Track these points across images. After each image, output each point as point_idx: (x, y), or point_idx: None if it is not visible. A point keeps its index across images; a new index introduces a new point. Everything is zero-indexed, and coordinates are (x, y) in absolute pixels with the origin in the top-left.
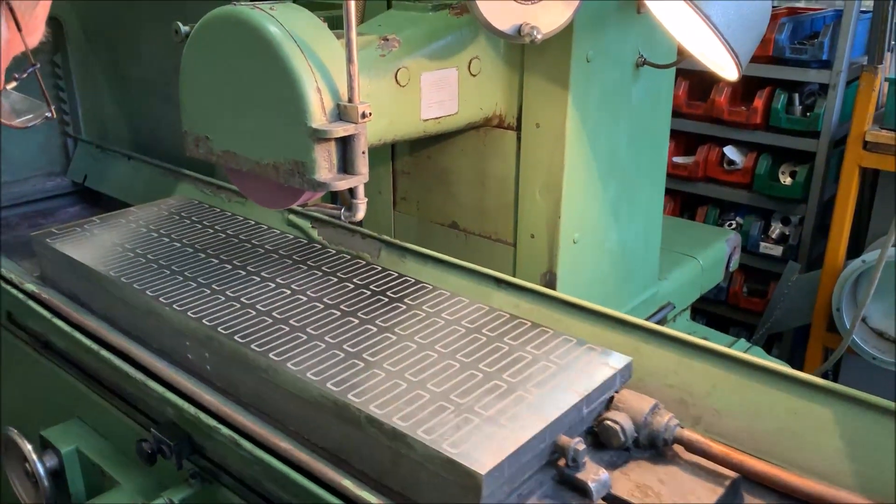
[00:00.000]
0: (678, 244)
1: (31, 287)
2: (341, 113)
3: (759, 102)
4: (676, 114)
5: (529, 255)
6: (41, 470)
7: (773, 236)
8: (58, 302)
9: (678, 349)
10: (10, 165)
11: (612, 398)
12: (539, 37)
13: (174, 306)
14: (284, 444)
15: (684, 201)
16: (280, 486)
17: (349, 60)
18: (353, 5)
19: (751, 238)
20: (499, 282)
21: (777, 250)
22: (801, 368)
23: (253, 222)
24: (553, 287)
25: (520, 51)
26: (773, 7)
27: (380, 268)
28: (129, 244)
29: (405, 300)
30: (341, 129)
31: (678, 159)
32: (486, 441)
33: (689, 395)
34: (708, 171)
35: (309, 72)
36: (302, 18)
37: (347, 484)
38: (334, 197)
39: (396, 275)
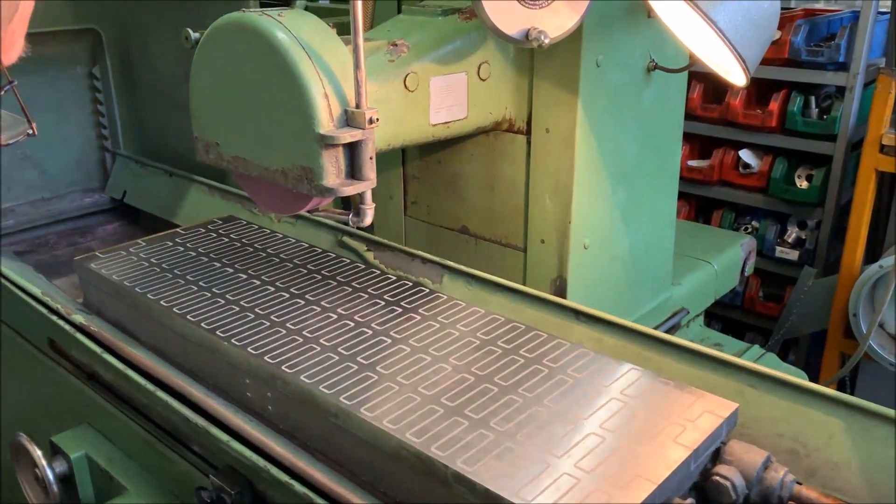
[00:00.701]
0: (692, 248)
1: (78, 318)
2: (349, 119)
3: (774, 105)
4: (691, 117)
5: (540, 260)
6: (50, 475)
7: (790, 241)
8: (106, 334)
9: (788, 393)
10: (47, 181)
11: (718, 450)
12: (546, 41)
13: (232, 340)
14: (358, 501)
15: (699, 205)
16: None
17: (356, 66)
18: (360, 11)
19: (766, 242)
20: (578, 314)
21: (793, 255)
22: (817, 375)
23: (306, 245)
24: (563, 293)
25: (529, 55)
26: (790, 9)
27: (445, 296)
28: (178, 269)
29: (478, 334)
30: (348, 135)
31: (693, 163)
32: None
33: (803, 447)
34: (723, 174)
35: (317, 78)
36: (310, 25)
37: None
38: (346, 202)
39: (463, 304)
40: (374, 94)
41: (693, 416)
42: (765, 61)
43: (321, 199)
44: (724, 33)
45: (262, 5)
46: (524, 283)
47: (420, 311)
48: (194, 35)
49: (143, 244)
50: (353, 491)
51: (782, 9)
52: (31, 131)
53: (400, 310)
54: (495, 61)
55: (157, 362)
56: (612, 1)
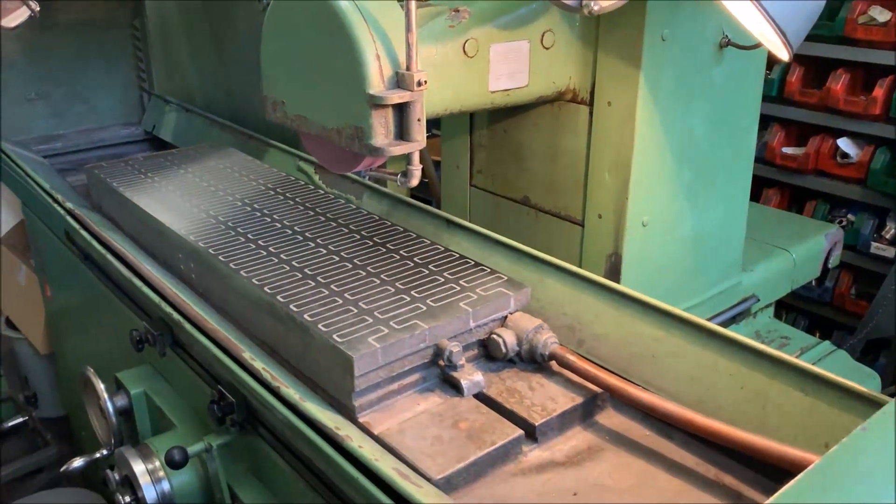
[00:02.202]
0: (771, 235)
1: (69, 205)
2: (399, 81)
3: (879, 92)
4: (788, 102)
5: (596, 235)
6: (110, 408)
7: (887, 237)
8: (91, 222)
9: (575, 281)
10: (93, 114)
11: (505, 318)
12: (596, 8)
13: (171, 226)
14: (213, 327)
15: (792, 195)
16: (216, 362)
17: (408, 29)
18: None
19: (862, 237)
20: (448, 223)
21: (890, 252)
22: None
23: (266, 166)
24: (618, 270)
25: (594, 26)
26: None
27: (354, 206)
28: (158, 178)
29: (362, 232)
30: (397, 97)
31: (787, 150)
32: (371, 335)
33: (578, 322)
34: (819, 163)
35: (370, 40)
36: None
37: (246, 356)
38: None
39: (366, 213)
40: (431, 59)
41: (488, 292)
42: (872, 45)
43: (374, 159)
44: (764, 7)
45: None
46: (580, 258)
47: (328, 214)
48: None
49: (142, 159)
50: (226, 330)
51: None
52: (33, 14)
53: (312, 213)
54: (560, 30)
55: (128, 245)
56: None
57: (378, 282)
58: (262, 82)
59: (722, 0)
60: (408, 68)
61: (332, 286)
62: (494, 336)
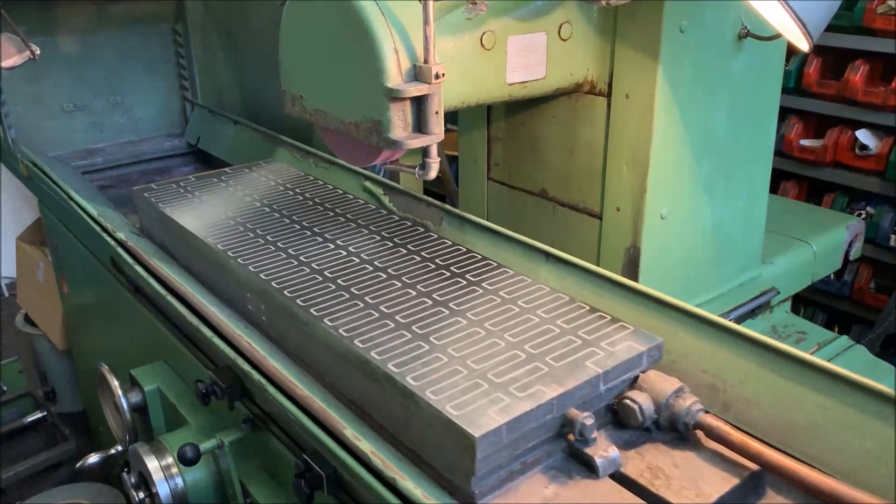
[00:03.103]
0: (791, 228)
1: (120, 236)
2: (417, 73)
3: None
4: (806, 93)
5: (615, 228)
6: (125, 404)
7: None
8: (143, 252)
9: (714, 334)
10: (134, 126)
11: (636, 378)
12: (613, 0)
13: (238, 260)
14: (302, 392)
15: (810, 187)
16: (305, 432)
17: (425, 22)
18: None
19: (881, 230)
20: (548, 255)
21: None
22: None
23: (331, 187)
24: (636, 263)
25: (612, 17)
26: None
27: (436, 236)
28: (214, 202)
29: (451, 268)
30: (415, 90)
31: (805, 142)
32: (490, 406)
33: (722, 382)
34: (838, 155)
35: (388, 33)
36: None
37: (348, 434)
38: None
39: (451, 243)
40: (448, 52)
41: (615, 346)
42: (891, 35)
43: (392, 153)
44: None
45: None
46: (598, 252)
47: (409, 245)
48: None
49: (193, 179)
50: (311, 390)
51: None
52: (32, 56)
53: (391, 244)
54: (577, 22)
55: (184, 278)
56: None
57: (483, 332)
58: (281, 77)
59: None
60: (425, 61)
61: (431, 339)
62: (628, 402)
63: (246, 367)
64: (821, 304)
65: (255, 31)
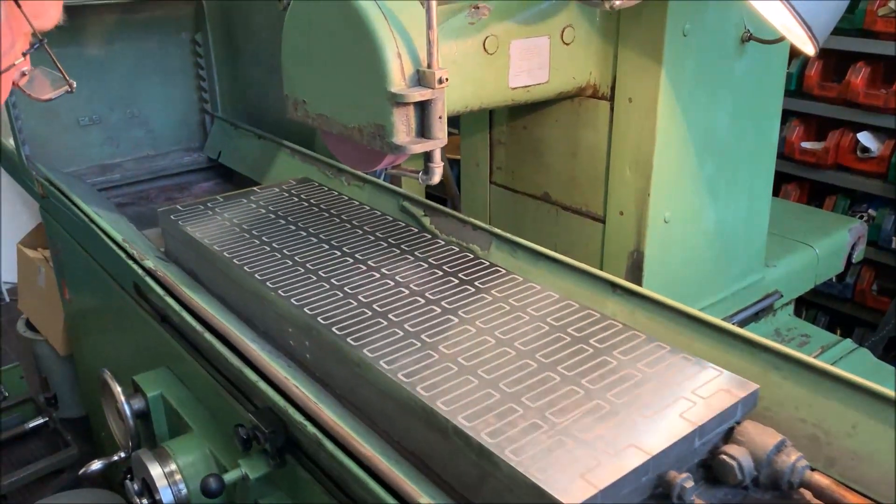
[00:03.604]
0: (794, 230)
1: (149, 264)
2: (420, 78)
3: None
4: (807, 96)
5: (618, 232)
6: (127, 410)
7: None
8: (172, 279)
9: (815, 379)
10: (153, 139)
11: (731, 429)
12: (618, 3)
13: (279, 291)
14: (365, 449)
15: (812, 190)
16: (360, 488)
17: (428, 27)
18: None
19: (883, 232)
20: (614, 286)
21: None
22: None
23: (367, 208)
24: (640, 267)
25: (615, 21)
26: None
27: (487, 262)
28: (246, 224)
29: (510, 300)
30: (418, 94)
31: (807, 145)
32: (580, 469)
33: (825, 433)
34: (839, 158)
35: (391, 38)
36: None
37: (424, 502)
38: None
39: (504, 272)
40: (451, 56)
41: (707, 394)
42: (892, 37)
43: (395, 157)
44: (790, 2)
45: None
46: (602, 256)
47: (459, 275)
48: None
49: (221, 200)
50: (366, 439)
51: None
52: (69, 88)
53: (440, 273)
54: (580, 26)
55: (217, 309)
56: None
57: (558, 378)
58: (284, 82)
59: None
60: (429, 66)
61: (501, 385)
62: (725, 458)
63: (298, 416)
64: (823, 306)
65: (256, 34)
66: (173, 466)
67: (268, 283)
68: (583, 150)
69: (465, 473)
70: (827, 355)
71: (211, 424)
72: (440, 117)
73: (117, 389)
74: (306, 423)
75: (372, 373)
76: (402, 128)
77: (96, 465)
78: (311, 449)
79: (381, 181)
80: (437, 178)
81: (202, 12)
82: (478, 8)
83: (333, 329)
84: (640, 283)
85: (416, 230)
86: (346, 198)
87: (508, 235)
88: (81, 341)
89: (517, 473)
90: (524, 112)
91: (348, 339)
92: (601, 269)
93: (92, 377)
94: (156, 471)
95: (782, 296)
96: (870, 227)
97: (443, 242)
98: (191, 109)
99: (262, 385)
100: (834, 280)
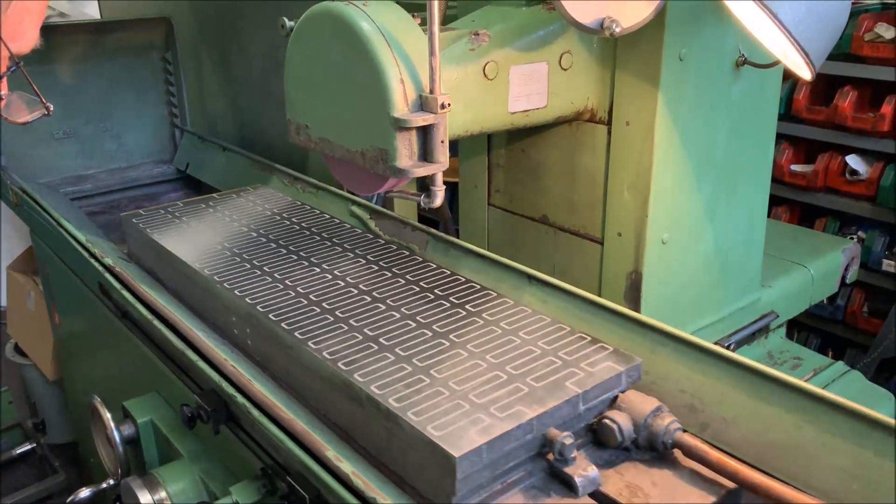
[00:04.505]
0: (788, 251)
1: (108, 261)
2: (422, 103)
3: (887, 109)
4: (796, 119)
5: (616, 253)
6: (117, 437)
7: None
8: (131, 278)
9: (692, 354)
10: (125, 152)
11: (616, 398)
12: (618, 30)
13: (225, 285)
14: (283, 412)
15: (802, 212)
16: (289, 455)
17: (431, 53)
18: (436, 2)
19: (873, 254)
20: (530, 278)
21: None
22: None
23: (318, 211)
24: (638, 288)
25: (613, 46)
26: None
27: (421, 259)
28: (202, 227)
29: (435, 290)
30: (421, 119)
31: (796, 167)
32: (470, 426)
33: (700, 402)
34: (828, 180)
35: (394, 64)
36: (392, 14)
37: (330, 455)
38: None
39: (435, 267)
40: (452, 82)
41: (594, 366)
42: (879, 61)
43: (397, 181)
44: (786, 27)
45: None
46: (600, 277)
47: (394, 269)
48: (289, 23)
49: (181, 205)
50: (294, 411)
51: None
52: (46, 112)
53: (376, 267)
54: (578, 51)
55: (172, 304)
56: None
57: (465, 354)
58: (286, 106)
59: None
60: (431, 91)
61: (414, 361)
62: (608, 421)
63: (231, 390)
64: (814, 328)
65: (251, 61)
66: (163, 494)
67: (215, 278)
68: (581, 173)
69: (377, 436)
70: (819, 378)
71: (202, 451)
72: (442, 141)
73: (107, 415)
74: (236, 394)
75: (302, 353)
76: (405, 152)
77: (84, 492)
78: (245, 419)
79: (332, 188)
80: (438, 202)
81: (172, 34)
82: (478, 35)
83: (270, 316)
84: (638, 304)
85: (360, 231)
86: (299, 203)
87: (443, 235)
88: (71, 366)
89: (416, 431)
90: (522, 136)
91: (282, 325)
92: (599, 289)
93: (81, 402)
94: (145, 499)
95: (778, 316)
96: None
97: (383, 242)
98: (161, 124)
99: (202, 364)
100: (825, 302)
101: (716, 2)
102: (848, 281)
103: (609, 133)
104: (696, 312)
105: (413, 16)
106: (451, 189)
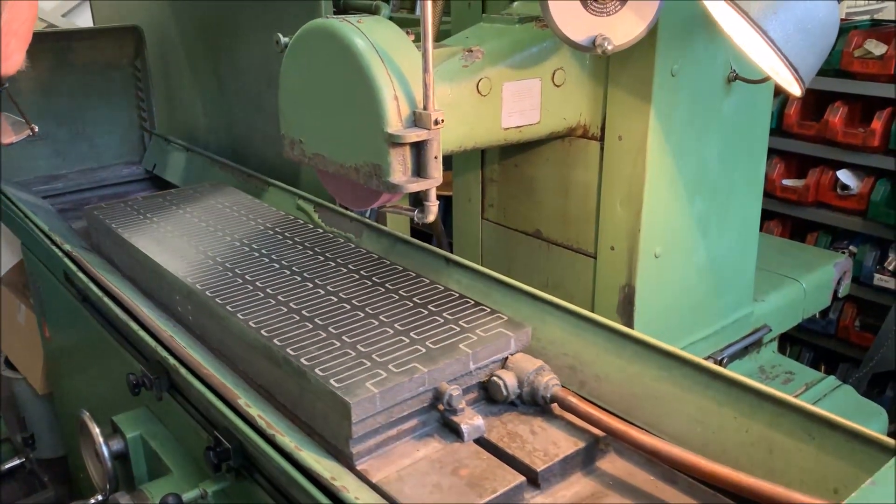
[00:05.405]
0: (780, 265)
1: (68, 248)
2: (416, 120)
3: (877, 124)
4: (787, 134)
5: (609, 267)
6: (106, 452)
7: (890, 268)
8: (90, 265)
9: (574, 322)
10: (96, 154)
11: (506, 359)
12: (610, 48)
13: (168, 267)
14: (207, 371)
15: (794, 227)
16: (214, 409)
17: (425, 70)
18: (430, 18)
19: (864, 269)
20: (448, 261)
21: (892, 283)
22: None
23: (266, 205)
24: (631, 302)
25: (605, 63)
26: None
27: (354, 246)
28: (157, 218)
29: (360, 271)
30: (415, 135)
31: (788, 182)
32: (368, 379)
33: (579, 363)
34: (819, 195)
35: (388, 81)
36: (386, 30)
37: (241, 402)
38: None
39: (365, 252)
40: (446, 98)
41: (488, 332)
42: (869, 77)
43: (391, 196)
44: (776, 44)
45: (344, 12)
46: (593, 290)
47: (327, 254)
48: (284, 40)
49: (141, 199)
50: (224, 375)
51: (887, 21)
52: (31, 133)
53: (311, 252)
54: (571, 68)
55: (124, 285)
56: (690, 10)
57: (377, 323)
58: (280, 122)
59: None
60: (425, 108)
61: (329, 328)
62: (495, 378)
63: (171, 359)
64: (807, 342)
65: (243, 74)
66: None
67: (161, 260)
68: (574, 188)
69: (291, 393)
70: (811, 392)
71: (191, 466)
72: (436, 157)
73: (95, 430)
74: (168, 356)
75: (231, 323)
76: (399, 167)
77: None
78: (179, 382)
79: (281, 184)
80: (432, 217)
81: (142, 42)
82: (471, 51)
83: (207, 293)
84: (631, 317)
85: (303, 222)
86: (250, 197)
87: (377, 225)
88: (61, 380)
89: (321, 384)
90: (516, 151)
91: (216, 300)
92: (593, 303)
93: (71, 416)
94: None
95: (771, 330)
96: None
97: (323, 231)
98: (131, 127)
99: (144, 335)
100: (818, 316)
101: (707, 19)
102: (840, 295)
103: (602, 148)
104: (688, 326)
105: (407, 32)
106: (445, 203)
